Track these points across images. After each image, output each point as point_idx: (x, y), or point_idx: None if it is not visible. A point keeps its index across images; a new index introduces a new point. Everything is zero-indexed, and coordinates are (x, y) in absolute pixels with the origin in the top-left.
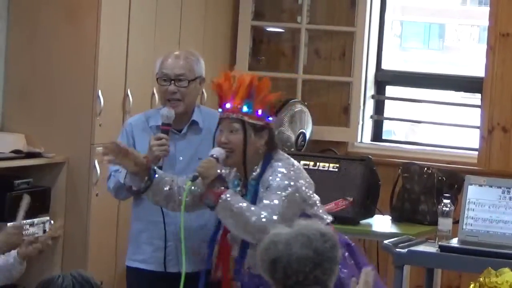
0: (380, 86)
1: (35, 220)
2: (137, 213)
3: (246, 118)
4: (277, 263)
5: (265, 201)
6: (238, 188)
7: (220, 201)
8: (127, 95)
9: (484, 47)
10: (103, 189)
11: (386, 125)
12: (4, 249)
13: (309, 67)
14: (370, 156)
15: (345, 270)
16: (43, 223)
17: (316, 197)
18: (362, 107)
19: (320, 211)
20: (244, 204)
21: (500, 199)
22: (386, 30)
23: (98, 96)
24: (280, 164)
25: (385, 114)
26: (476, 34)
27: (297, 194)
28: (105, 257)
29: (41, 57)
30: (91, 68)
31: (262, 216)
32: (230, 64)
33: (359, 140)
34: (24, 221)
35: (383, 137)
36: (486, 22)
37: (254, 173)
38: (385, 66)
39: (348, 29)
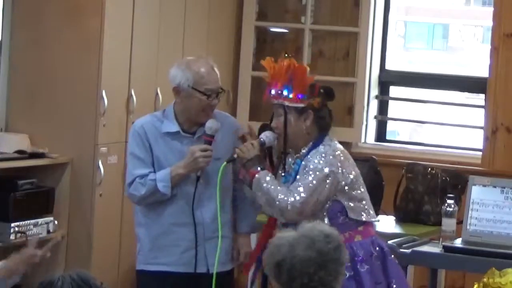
0: (384, 86)
1: (39, 221)
2: (154, 218)
3: (286, 103)
4: (281, 266)
5: (297, 182)
6: (293, 163)
7: (254, 180)
8: (131, 95)
9: (488, 47)
10: (107, 189)
11: (390, 125)
12: (12, 273)
13: (313, 67)
14: (374, 157)
15: (366, 266)
16: (47, 223)
17: (361, 195)
18: (366, 108)
19: (361, 207)
20: (274, 184)
21: (504, 199)
22: (390, 31)
23: (102, 97)
24: (323, 148)
25: (389, 115)
26: (480, 35)
27: (330, 179)
28: (109, 257)
29: (46, 57)
30: (95, 68)
31: (288, 197)
32: (234, 64)
33: (363, 140)
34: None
35: (387, 138)
36: (490, 23)
37: (302, 151)
38: (389, 66)
39: (352, 29)
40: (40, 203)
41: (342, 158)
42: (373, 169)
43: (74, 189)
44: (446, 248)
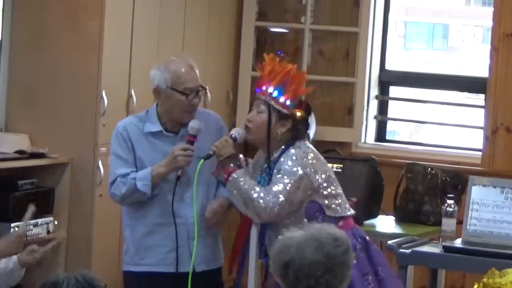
0: (383, 86)
1: (39, 221)
2: (139, 218)
3: (272, 103)
4: (288, 266)
5: (273, 185)
6: (265, 165)
7: (230, 179)
8: (131, 95)
9: (488, 47)
10: (106, 189)
11: (390, 125)
12: (4, 255)
13: (313, 67)
14: (374, 157)
15: (354, 261)
16: (47, 223)
17: (336, 191)
18: (366, 108)
19: (337, 203)
20: (252, 185)
21: (504, 199)
22: (390, 31)
23: (102, 97)
24: (294, 151)
25: (389, 115)
26: (480, 35)
27: (304, 181)
28: (109, 257)
29: (46, 57)
30: (95, 68)
31: (266, 199)
32: (234, 64)
33: (363, 140)
34: (27, 227)
35: (387, 138)
36: (490, 23)
37: (274, 155)
38: (388, 66)
39: (351, 29)
40: (40, 203)
41: (313, 159)
42: (373, 169)
43: (74, 189)
44: (446, 248)
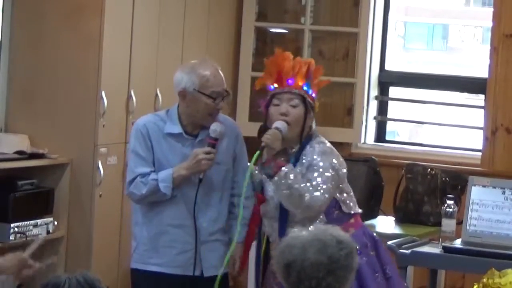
0: (383, 87)
1: (39, 221)
2: (152, 217)
3: (306, 96)
4: (291, 267)
5: (316, 181)
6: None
7: (280, 172)
8: (131, 96)
9: (487, 48)
10: (106, 190)
11: (390, 126)
12: (2, 271)
13: None
14: (373, 157)
15: (364, 258)
16: (47, 224)
17: (348, 187)
18: (365, 108)
19: (350, 199)
20: (301, 181)
21: (503, 200)
22: (390, 31)
23: (102, 97)
24: (318, 146)
25: (389, 115)
26: (479, 35)
27: (335, 176)
28: (109, 257)
29: (45, 58)
30: (94, 69)
31: (314, 194)
32: (233, 65)
33: (362, 141)
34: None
35: (387, 138)
36: (489, 23)
37: (293, 150)
38: (388, 67)
39: (351, 30)
40: (40, 203)
41: (337, 153)
42: (373, 170)
43: (74, 189)
44: (446, 249)
